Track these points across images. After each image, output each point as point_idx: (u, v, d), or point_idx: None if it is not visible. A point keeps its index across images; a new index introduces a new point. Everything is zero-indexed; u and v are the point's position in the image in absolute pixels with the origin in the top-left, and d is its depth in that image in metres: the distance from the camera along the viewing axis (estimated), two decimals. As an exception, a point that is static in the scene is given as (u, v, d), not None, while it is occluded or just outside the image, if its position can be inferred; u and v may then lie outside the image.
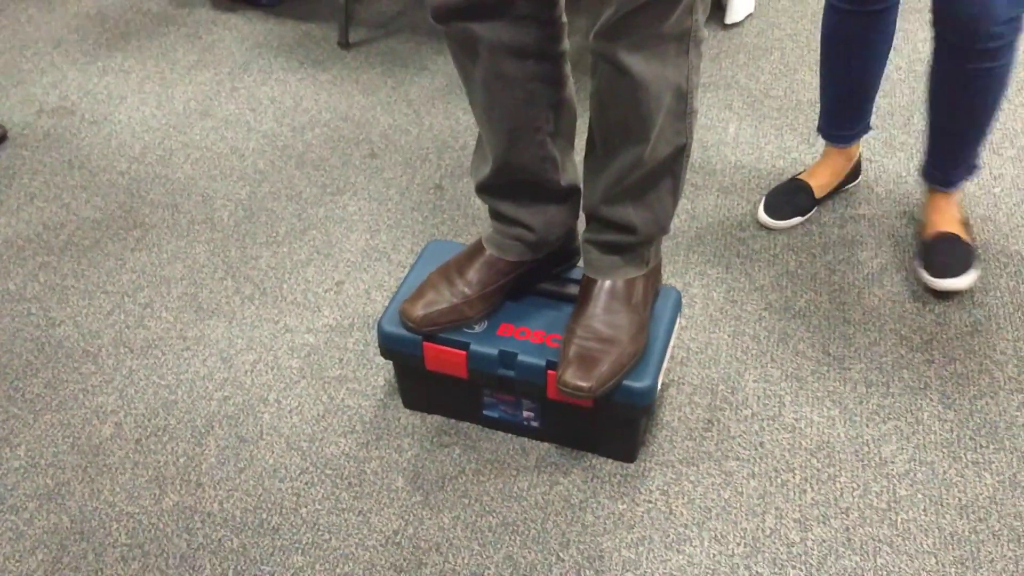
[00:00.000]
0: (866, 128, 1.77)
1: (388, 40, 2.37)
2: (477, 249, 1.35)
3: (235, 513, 1.34)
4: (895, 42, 2.33)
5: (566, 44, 1.21)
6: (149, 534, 1.31)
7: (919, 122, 2.06)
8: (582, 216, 1.35)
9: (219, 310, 1.65)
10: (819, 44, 1.71)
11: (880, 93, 2.14)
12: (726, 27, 2.39)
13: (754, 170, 1.93)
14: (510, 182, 1.29)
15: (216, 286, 1.69)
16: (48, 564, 1.28)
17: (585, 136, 1.27)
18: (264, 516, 1.34)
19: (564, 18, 1.20)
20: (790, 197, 1.78)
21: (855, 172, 1.85)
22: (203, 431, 1.45)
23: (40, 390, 1.51)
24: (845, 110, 1.73)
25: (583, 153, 1.29)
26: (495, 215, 1.35)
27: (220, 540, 1.31)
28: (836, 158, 1.80)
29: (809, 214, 1.79)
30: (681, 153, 1.21)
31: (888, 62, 2.24)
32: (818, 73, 1.76)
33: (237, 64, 2.27)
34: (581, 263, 1.37)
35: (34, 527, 1.32)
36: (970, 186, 1.88)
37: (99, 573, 1.27)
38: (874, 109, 1.76)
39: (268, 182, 1.92)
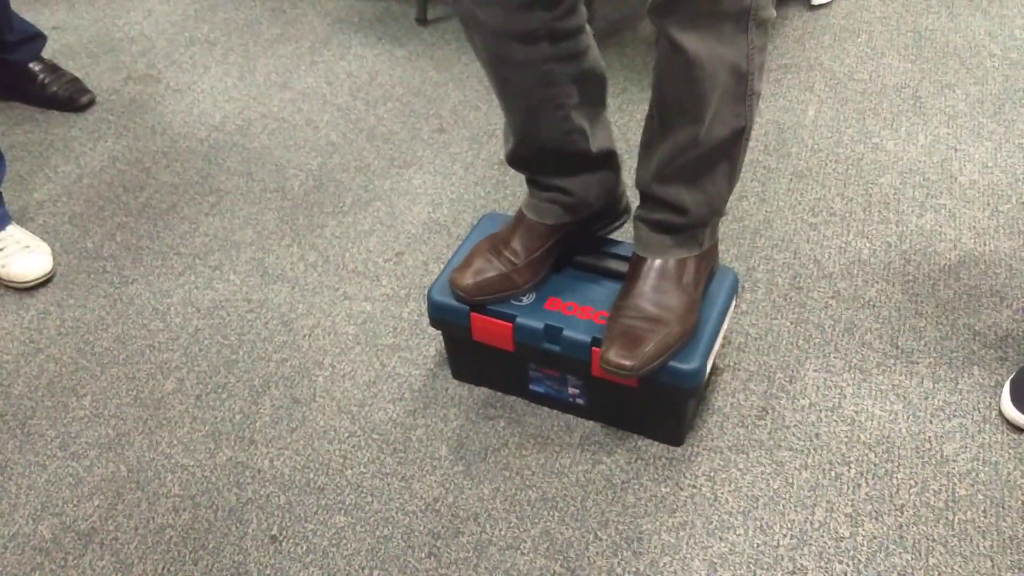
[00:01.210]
0: None
1: (466, 17, 2.36)
2: (519, 218, 1.35)
3: (284, 471, 1.37)
4: (989, 26, 2.22)
5: (582, 17, 1.17)
6: (201, 486, 1.36)
7: (1010, 111, 1.95)
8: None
9: (284, 275, 1.68)
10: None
11: (971, 80, 2.05)
12: (813, 8, 2.31)
13: (832, 154, 1.87)
14: (537, 154, 1.28)
15: (283, 252, 1.73)
16: (104, 510, 1.33)
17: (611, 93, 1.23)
18: (311, 475, 1.36)
19: None
20: None
21: None
22: (260, 391, 1.49)
23: (109, 344, 1.57)
24: None
25: (612, 115, 1.27)
26: (530, 181, 1.34)
27: (268, 496, 1.34)
28: None
29: None
30: (739, 136, 1.17)
31: (981, 47, 2.15)
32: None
33: (318, 38, 2.31)
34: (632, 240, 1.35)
35: (93, 474, 1.38)
36: (1064, 179, 1.77)
37: (151, 522, 1.31)
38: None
39: (339, 154, 1.95)
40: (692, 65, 1.08)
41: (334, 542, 1.28)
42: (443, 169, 1.89)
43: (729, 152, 1.19)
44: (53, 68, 2.09)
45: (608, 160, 1.33)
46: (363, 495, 1.34)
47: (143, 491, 1.35)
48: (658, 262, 1.26)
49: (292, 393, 1.48)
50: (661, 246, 1.26)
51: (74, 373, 1.53)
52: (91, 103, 2.10)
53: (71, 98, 2.08)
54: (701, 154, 1.17)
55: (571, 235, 1.37)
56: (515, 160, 1.32)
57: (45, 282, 1.68)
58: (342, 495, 1.34)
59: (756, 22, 1.08)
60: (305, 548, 1.27)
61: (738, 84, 1.12)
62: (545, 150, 1.27)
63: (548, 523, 1.29)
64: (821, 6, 2.32)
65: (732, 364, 1.48)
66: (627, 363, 1.19)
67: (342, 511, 1.32)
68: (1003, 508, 1.27)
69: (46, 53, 2.11)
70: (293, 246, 1.74)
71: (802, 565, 1.23)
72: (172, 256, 1.74)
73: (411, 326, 1.58)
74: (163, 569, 1.26)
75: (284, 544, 1.28)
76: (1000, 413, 1.38)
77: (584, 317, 1.30)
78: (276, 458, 1.39)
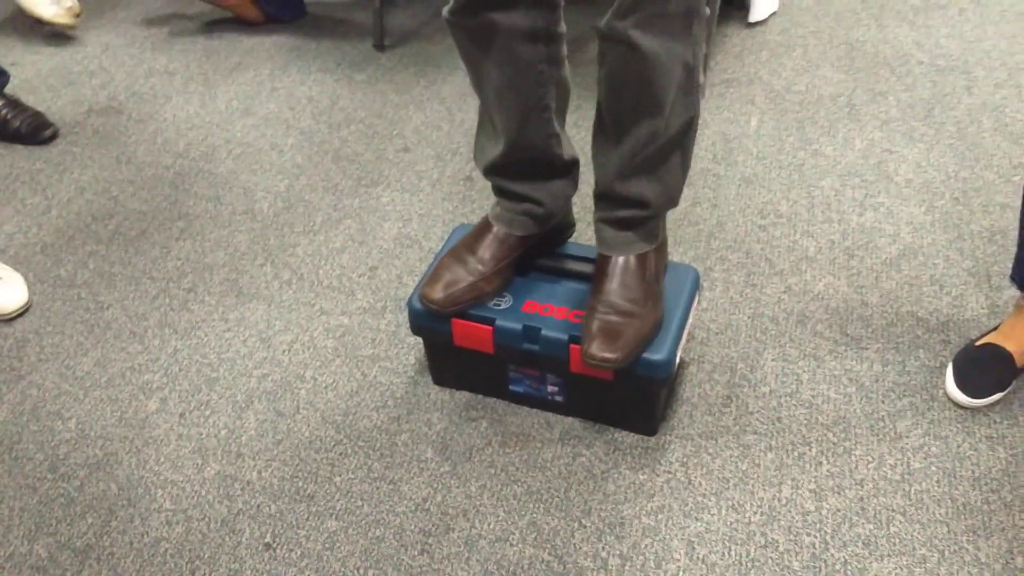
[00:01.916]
0: None
1: (421, 43, 2.45)
2: (485, 227, 1.42)
3: (273, 481, 1.41)
4: (916, 36, 2.37)
5: (564, 26, 1.29)
6: (192, 500, 1.39)
7: (939, 114, 2.09)
8: (579, 198, 1.41)
9: (259, 294, 1.73)
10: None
11: (902, 87, 2.18)
12: (750, 25, 2.44)
13: (775, 161, 1.98)
14: (521, 160, 1.36)
15: (256, 272, 1.77)
16: (98, 527, 1.35)
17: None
18: (300, 484, 1.41)
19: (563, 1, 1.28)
20: (988, 370, 1.49)
21: None
22: (243, 406, 1.52)
23: (90, 368, 1.60)
24: None
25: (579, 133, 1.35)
26: (503, 193, 1.42)
27: (259, 506, 1.38)
28: None
29: (1009, 389, 1.49)
30: (690, 126, 1.27)
31: (909, 56, 2.29)
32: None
33: (277, 66, 2.37)
34: (596, 242, 1.43)
35: (84, 493, 1.40)
36: (1001, 196, 1.91)
37: (145, 536, 1.34)
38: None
39: (306, 175, 2.00)
40: (651, 63, 1.17)
41: (328, 546, 1.32)
42: (410, 186, 1.96)
43: (682, 142, 1.29)
44: (15, 103, 2.11)
45: (574, 168, 1.42)
46: (353, 499, 1.38)
47: (135, 507, 1.38)
48: (622, 259, 1.34)
49: (275, 407, 1.52)
50: (625, 243, 1.34)
51: (57, 398, 1.55)
52: (55, 136, 2.12)
53: (35, 132, 2.10)
54: (659, 147, 1.27)
55: (534, 247, 1.45)
56: (498, 168, 1.39)
57: (23, 312, 1.69)
58: (332, 501, 1.38)
59: (697, 19, 1.19)
60: (299, 553, 1.32)
61: (688, 77, 1.22)
62: (528, 156, 1.36)
63: (534, 514, 1.35)
64: (757, 23, 2.45)
65: (697, 357, 1.56)
66: (611, 356, 1.26)
67: (333, 516, 1.36)
68: (955, 478, 1.37)
69: (6, 88, 2.13)
70: (266, 266, 1.79)
71: (773, 539, 1.31)
72: (145, 281, 1.77)
73: (389, 337, 1.63)
74: (162, 579, 1.29)
75: (278, 551, 1.32)
76: (947, 394, 1.49)
77: (560, 317, 1.37)
78: (264, 470, 1.43)
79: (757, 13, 2.43)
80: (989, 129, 2.04)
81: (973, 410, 1.46)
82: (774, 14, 2.48)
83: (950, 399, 1.48)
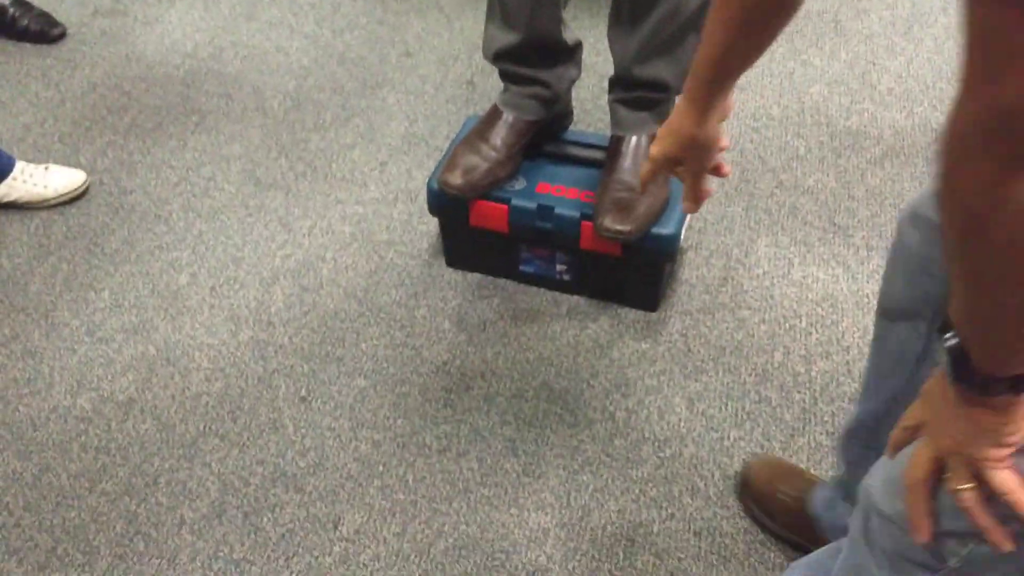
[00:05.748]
0: None
1: (419, -45, 2.49)
2: (495, 115, 1.50)
3: (303, 346, 1.50)
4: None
5: None
6: (228, 360, 1.48)
7: (918, 30, 2.20)
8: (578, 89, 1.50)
9: (276, 184, 1.80)
10: None
11: (883, 6, 2.29)
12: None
13: (766, 70, 2.08)
14: (531, 44, 1.44)
15: (271, 164, 1.84)
16: (139, 383, 1.44)
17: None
18: (329, 348, 1.50)
19: None
20: None
21: None
22: (270, 281, 1.61)
23: (118, 245, 1.67)
24: None
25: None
26: (513, 78, 1.49)
27: (291, 366, 1.47)
28: None
29: None
30: (705, 6, 1.35)
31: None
32: None
33: (277, -26, 2.40)
34: (609, 126, 1.52)
35: (123, 355, 1.48)
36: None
37: (186, 391, 1.43)
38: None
39: (312, 76, 2.06)
40: None
41: (359, 399, 1.42)
42: (415, 89, 2.03)
43: (697, 22, 1.37)
44: (23, 3, 2.14)
45: (577, 51, 1.51)
46: (379, 362, 1.48)
47: (174, 366, 1.47)
48: (634, 139, 1.44)
49: (300, 283, 1.61)
50: (639, 123, 1.44)
51: (88, 272, 1.62)
52: (63, 35, 2.15)
53: (43, 31, 2.13)
54: (677, 28, 1.35)
55: (539, 133, 1.54)
56: (509, 54, 1.46)
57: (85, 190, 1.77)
58: (360, 363, 1.48)
59: None
60: (333, 405, 1.42)
61: None
62: (537, 41, 1.44)
63: (546, 376, 1.46)
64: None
65: (695, 244, 1.67)
66: (623, 228, 1.36)
67: (362, 375, 1.46)
68: (929, 345, 1.50)
69: (10, -13, 2.15)
70: (280, 159, 1.86)
71: (767, 396, 1.43)
72: (166, 169, 1.83)
73: (402, 224, 1.72)
74: (204, 428, 1.38)
75: (313, 403, 1.42)
76: None
77: (571, 197, 1.47)
78: (294, 336, 1.52)
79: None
80: (965, 46, 2.15)
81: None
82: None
83: None
